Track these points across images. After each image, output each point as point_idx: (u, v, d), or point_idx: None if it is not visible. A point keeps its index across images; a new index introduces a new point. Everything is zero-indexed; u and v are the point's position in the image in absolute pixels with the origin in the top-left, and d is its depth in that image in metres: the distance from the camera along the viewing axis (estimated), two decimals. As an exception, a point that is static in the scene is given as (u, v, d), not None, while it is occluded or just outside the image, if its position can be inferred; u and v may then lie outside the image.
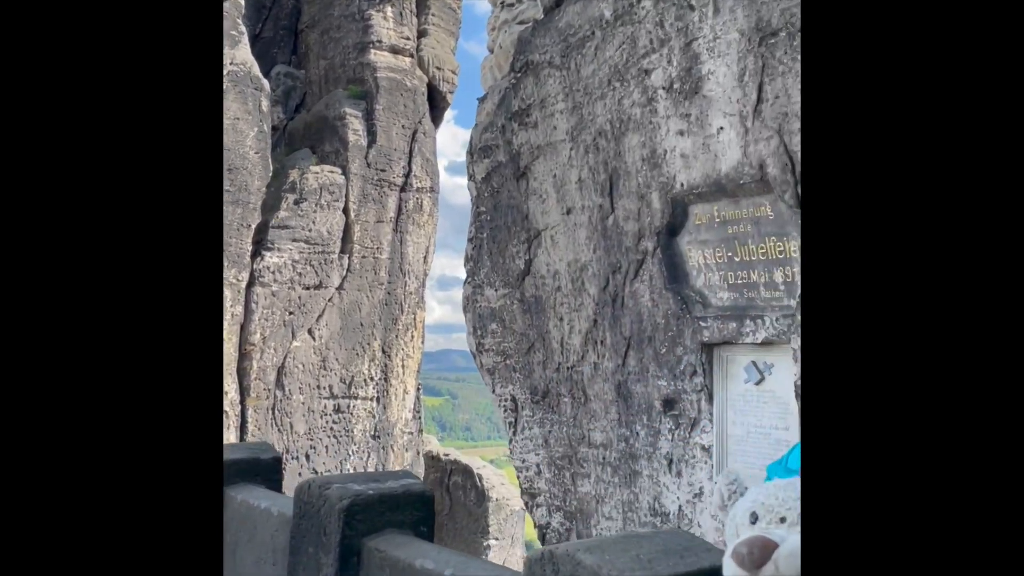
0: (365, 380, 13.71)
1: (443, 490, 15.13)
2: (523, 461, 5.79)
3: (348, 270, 13.41)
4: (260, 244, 12.39)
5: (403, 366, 14.37)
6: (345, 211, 13.31)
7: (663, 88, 4.52)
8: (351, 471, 13.29)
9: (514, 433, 5.85)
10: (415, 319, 14.52)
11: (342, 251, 13.34)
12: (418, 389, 15.10)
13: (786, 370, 4.13)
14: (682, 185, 4.48)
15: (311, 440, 13.09)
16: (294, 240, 12.72)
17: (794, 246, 4.06)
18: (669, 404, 4.69)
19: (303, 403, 12.95)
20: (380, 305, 13.86)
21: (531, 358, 5.65)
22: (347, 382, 13.46)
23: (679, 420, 4.64)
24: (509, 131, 5.59)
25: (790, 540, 1.61)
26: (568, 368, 5.37)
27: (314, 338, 13.06)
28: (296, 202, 12.71)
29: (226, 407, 11.78)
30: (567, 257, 5.31)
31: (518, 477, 5.95)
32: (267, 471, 4.68)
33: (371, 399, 13.85)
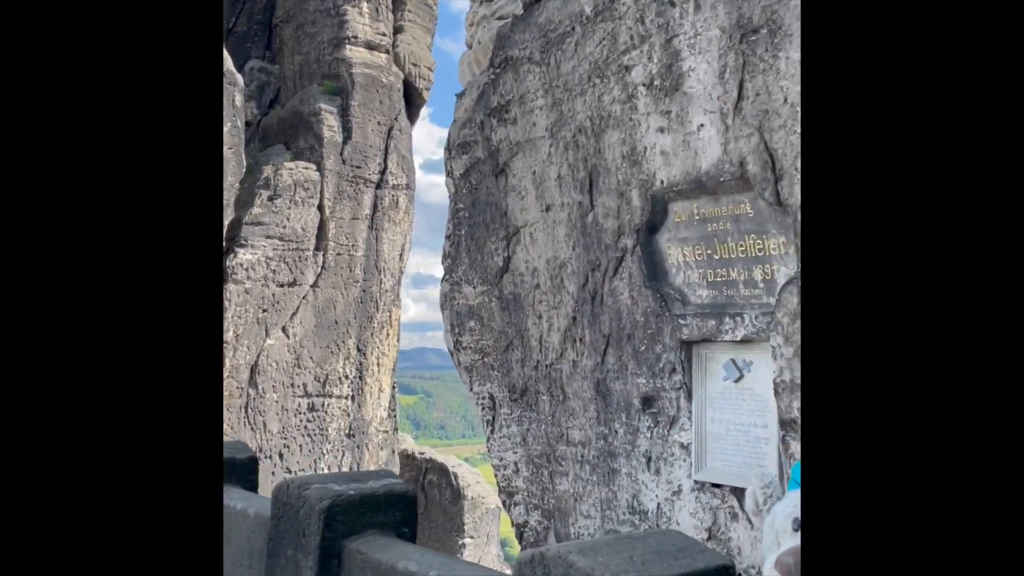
0: (340, 378, 13.61)
1: (418, 489, 15.08)
2: (501, 459, 5.76)
3: (323, 267, 13.29)
4: (233, 241, 12.24)
5: (378, 364, 14.28)
6: (320, 208, 13.19)
7: (643, 85, 4.51)
8: (325, 470, 13.19)
9: (492, 431, 5.82)
10: (391, 317, 14.43)
11: (317, 248, 13.23)
12: (393, 387, 15.02)
13: (765, 368, 4.13)
14: (662, 182, 4.47)
15: (285, 439, 12.96)
16: (268, 237, 12.58)
17: (773, 244, 4.07)
18: (648, 402, 4.69)
19: (277, 401, 12.82)
20: (355, 303, 13.76)
21: (509, 356, 5.62)
22: (322, 380, 13.35)
23: (658, 418, 4.64)
24: (488, 127, 5.56)
25: None
26: (547, 366, 5.34)
27: (288, 336, 12.94)
28: (270, 199, 12.57)
29: (198, 406, 11.61)
30: (546, 254, 5.28)
31: (496, 476, 5.92)
32: (242, 471, 4.59)
33: (346, 397, 13.75)
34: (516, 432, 5.62)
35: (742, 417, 4.33)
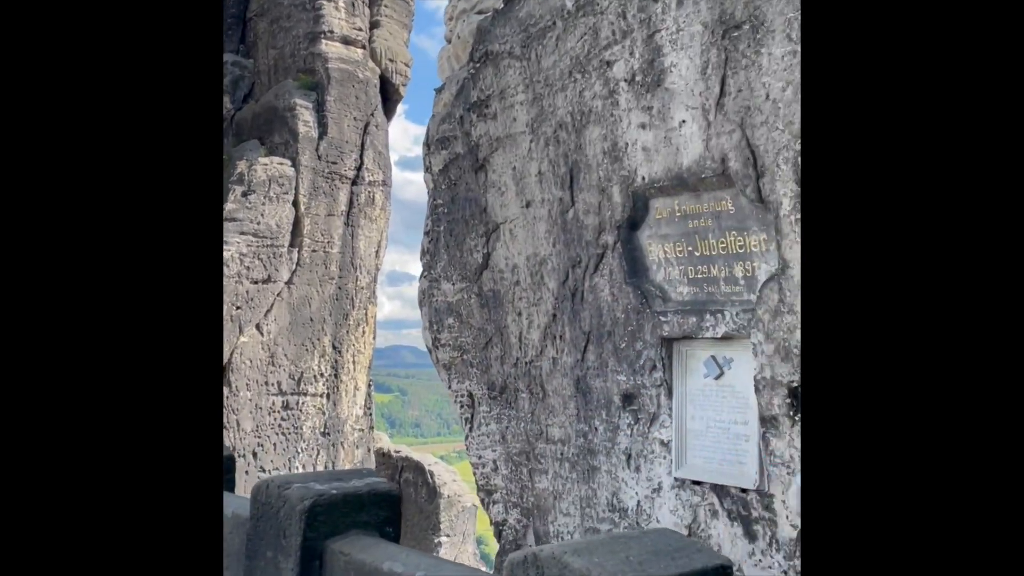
0: (315, 376, 13.50)
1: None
2: (479, 457, 5.73)
3: (298, 264, 13.17)
4: (207, 237, 12.08)
5: (354, 362, 14.18)
6: (295, 204, 13.07)
7: (625, 80, 4.49)
8: (300, 469, 13.08)
9: (471, 429, 5.78)
10: (366, 314, 14.33)
11: (292, 245, 13.10)
12: (369, 385, 14.93)
13: (745, 365, 4.13)
14: (643, 179, 4.45)
15: (259, 438, 12.83)
16: (242, 233, 12.44)
17: (755, 240, 4.07)
18: (628, 399, 4.67)
19: (250, 400, 12.68)
20: (331, 300, 13.65)
21: (489, 353, 5.58)
22: (296, 378, 13.23)
23: (638, 415, 4.63)
24: (468, 122, 5.51)
25: None
26: (526, 363, 5.31)
27: (262, 333, 12.81)
28: (244, 194, 12.43)
29: (171, 404, 11.47)
30: (526, 251, 5.25)
31: (474, 474, 5.88)
32: (218, 470, 4.52)
33: (321, 395, 13.64)
34: (495, 430, 5.59)
35: (722, 414, 4.33)
